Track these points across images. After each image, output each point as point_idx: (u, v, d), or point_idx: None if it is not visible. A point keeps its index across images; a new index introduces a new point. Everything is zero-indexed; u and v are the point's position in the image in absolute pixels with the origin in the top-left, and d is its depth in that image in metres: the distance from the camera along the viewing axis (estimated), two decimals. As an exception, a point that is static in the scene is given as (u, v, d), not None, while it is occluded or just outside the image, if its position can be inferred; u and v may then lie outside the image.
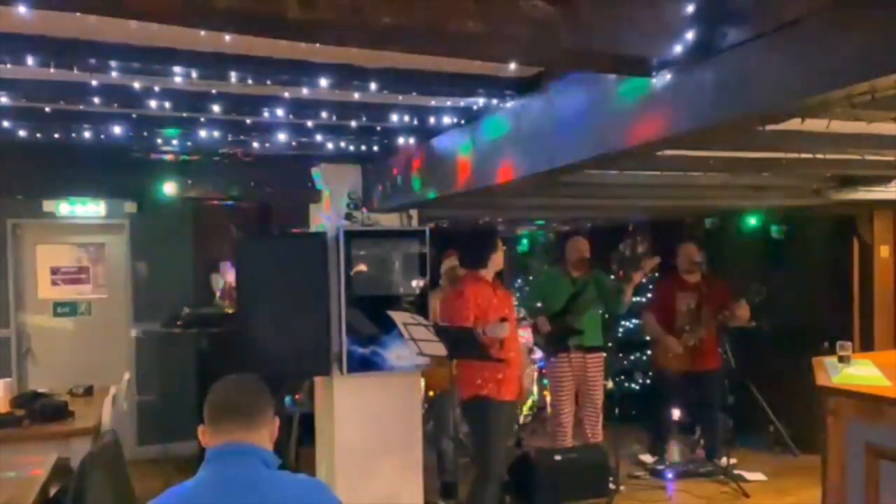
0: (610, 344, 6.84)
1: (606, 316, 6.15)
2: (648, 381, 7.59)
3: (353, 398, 4.92)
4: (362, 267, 4.88)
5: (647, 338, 6.95)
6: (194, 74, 2.78)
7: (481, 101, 3.40)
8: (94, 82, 2.92)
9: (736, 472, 5.86)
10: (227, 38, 2.30)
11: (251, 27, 2.00)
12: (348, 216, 4.95)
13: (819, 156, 3.91)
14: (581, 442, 5.78)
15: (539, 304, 5.92)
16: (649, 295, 7.20)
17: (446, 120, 3.73)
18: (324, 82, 2.90)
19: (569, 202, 6.02)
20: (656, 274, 6.79)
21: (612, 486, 5.41)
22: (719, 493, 5.65)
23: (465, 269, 4.89)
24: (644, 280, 6.26)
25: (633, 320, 7.56)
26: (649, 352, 7.16)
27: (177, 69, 2.74)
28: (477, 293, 4.48)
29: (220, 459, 1.84)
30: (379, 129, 4.01)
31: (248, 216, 7.05)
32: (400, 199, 4.61)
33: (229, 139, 4.09)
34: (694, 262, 6.13)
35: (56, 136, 3.91)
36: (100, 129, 3.83)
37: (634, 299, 6.71)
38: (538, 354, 6.91)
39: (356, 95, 3.28)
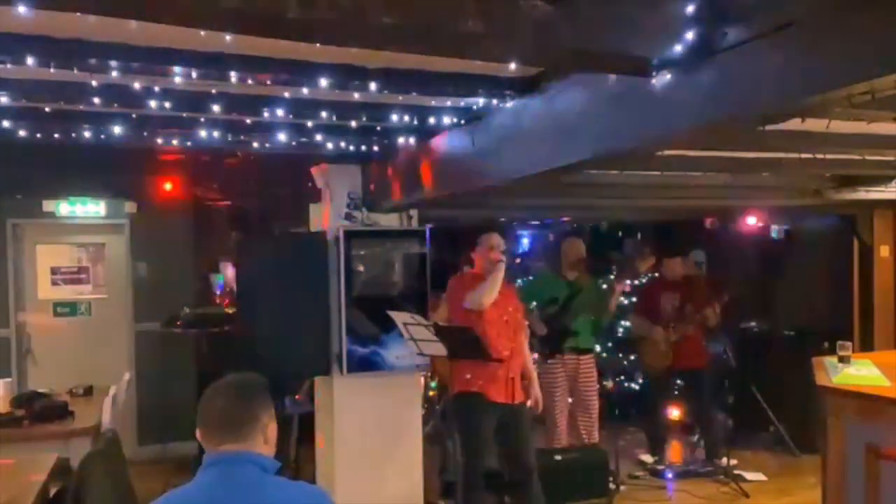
0: (609, 344, 6.85)
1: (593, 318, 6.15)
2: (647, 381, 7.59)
3: (353, 398, 4.91)
4: (360, 268, 4.88)
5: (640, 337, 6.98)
6: (194, 74, 2.78)
7: (481, 101, 3.40)
8: (94, 82, 2.92)
9: (736, 472, 5.86)
10: (228, 38, 2.30)
11: (251, 27, 2.01)
12: (348, 216, 4.95)
13: (819, 156, 3.92)
14: (577, 443, 5.77)
15: (532, 306, 5.87)
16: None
17: (446, 120, 3.73)
18: (324, 82, 2.90)
19: (569, 202, 6.02)
20: (642, 281, 6.89)
21: (612, 486, 5.41)
22: (719, 493, 5.64)
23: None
24: (635, 283, 6.35)
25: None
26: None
27: (177, 69, 2.74)
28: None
29: (217, 465, 1.84)
30: (379, 129, 4.01)
31: (248, 216, 7.05)
32: (400, 199, 4.61)
33: (229, 139, 4.09)
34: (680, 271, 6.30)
35: (56, 136, 3.91)
36: (100, 129, 3.83)
37: (626, 301, 6.75)
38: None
39: (356, 95, 3.28)
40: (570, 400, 5.82)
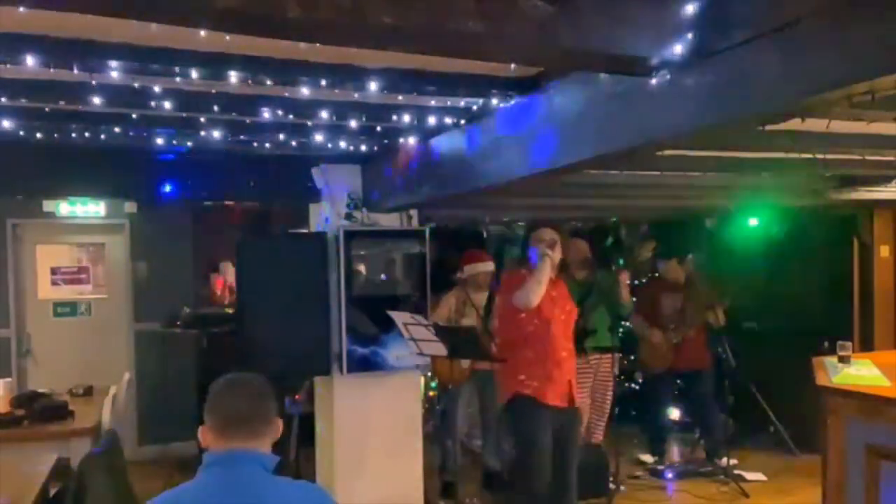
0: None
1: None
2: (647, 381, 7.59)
3: (353, 398, 4.91)
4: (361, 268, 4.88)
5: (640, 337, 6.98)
6: (194, 74, 2.78)
7: (481, 101, 3.40)
8: (94, 82, 2.92)
9: (736, 472, 5.86)
10: (227, 38, 2.30)
11: (251, 27, 2.00)
12: (348, 216, 4.95)
13: (819, 156, 3.91)
14: (584, 440, 5.78)
15: None
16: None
17: (446, 120, 3.73)
18: (324, 82, 2.90)
19: (569, 202, 6.02)
20: (643, 280, 6.87)
21: (612, 485, 5.41)
22: (719, 493, 5.65)
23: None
24: (635, 281, 6.34)
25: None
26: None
27: (177, 69, 2.74)
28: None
29: (220, 464, 1.84)
30: (379, 129, 4.01)
31: (248, 216, 7.05)
32: (400, 199, 4.62)
33: (229, 139, 4.09)
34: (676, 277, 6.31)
35: (56, 136, 3.91)
36: (100, 129, 3.83)
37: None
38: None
39: (356, 95, 3.28)
40: None
